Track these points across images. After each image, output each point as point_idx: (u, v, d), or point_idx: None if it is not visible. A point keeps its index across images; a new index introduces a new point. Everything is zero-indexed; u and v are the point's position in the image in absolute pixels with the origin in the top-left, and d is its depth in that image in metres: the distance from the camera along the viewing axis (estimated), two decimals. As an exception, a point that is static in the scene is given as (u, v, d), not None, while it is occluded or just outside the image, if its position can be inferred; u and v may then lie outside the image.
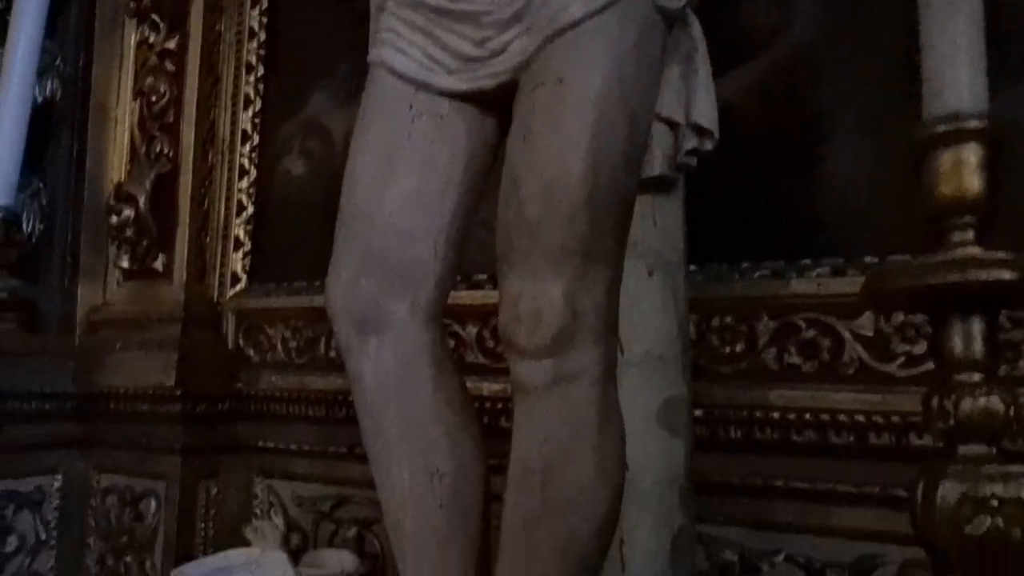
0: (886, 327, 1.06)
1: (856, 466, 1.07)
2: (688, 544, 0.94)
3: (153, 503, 1.61)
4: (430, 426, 0.88)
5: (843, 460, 1.07)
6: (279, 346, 1.65)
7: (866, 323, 1.07)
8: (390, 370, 0.87)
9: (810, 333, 1.11)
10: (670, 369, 0.94)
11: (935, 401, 0.52)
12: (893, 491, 1.04)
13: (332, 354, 1.58)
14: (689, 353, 1.00)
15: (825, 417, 1.06)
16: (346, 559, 1.04)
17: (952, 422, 0.51)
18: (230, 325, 1.72)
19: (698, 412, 1.07)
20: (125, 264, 1.74)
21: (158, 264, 1.71)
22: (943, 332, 0.53)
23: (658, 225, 0.96)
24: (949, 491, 0.51)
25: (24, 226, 1.62)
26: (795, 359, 1.12)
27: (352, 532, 1.51)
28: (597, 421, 0.78)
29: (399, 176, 0.88)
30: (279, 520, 1.16)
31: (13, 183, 1.14)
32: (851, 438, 1.05)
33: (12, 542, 1.58)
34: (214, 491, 1.64)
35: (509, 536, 0.80)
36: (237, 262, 1.74)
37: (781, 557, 1.12)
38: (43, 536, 1.64)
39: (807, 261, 1.14)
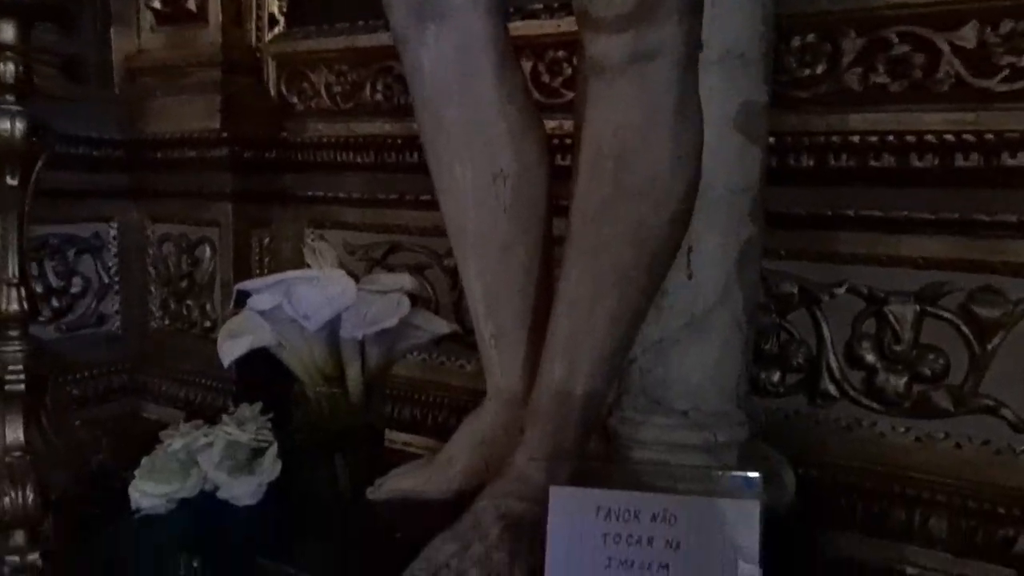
0: (992, 37, 0.96)
1: (936, 193, 1.01)
2: (755, 255, 0.92)
3: (208, 249, 1.64)
4: (493, 123, 0.83)
5: (923, 186, 1.02)
6: (323, 92, 1.59)
7: (968, 34, 0.97)
8: (450, 60, 0.82)
9: (902, 49, 1.01)
10: (751, 71, 0.87)
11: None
12: (975, 216, 0.99)
13: (379, 98, 1.51)
14: (772, 57, 0.92)
15: (910, 139, 0.99)
16: (404, 279, 1.04)
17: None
18: (271, 72, 1.65)
19: (769, 140, 1.01)
20: (157, 5, 1.65)
21: (191, 4, 1.62)
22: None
23: (747, -95, 0.85)
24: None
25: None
26: (882, 78, 1.03)
27: (404, 277, 1.53)
28: (675, 106, 0.73)
29: None
30: (333, 255, 1.17)
31: None
32: (936, 160, 0.99)
33: (78, 283, 1.64)
34: (267, 240, 1.66)
35: (579, 226, 0.77)
36: (274, 3, 1.63)
37: (843, 288, 1.10)
38: (106, 280, 1.70)
39: (907, -32, 1.01)
